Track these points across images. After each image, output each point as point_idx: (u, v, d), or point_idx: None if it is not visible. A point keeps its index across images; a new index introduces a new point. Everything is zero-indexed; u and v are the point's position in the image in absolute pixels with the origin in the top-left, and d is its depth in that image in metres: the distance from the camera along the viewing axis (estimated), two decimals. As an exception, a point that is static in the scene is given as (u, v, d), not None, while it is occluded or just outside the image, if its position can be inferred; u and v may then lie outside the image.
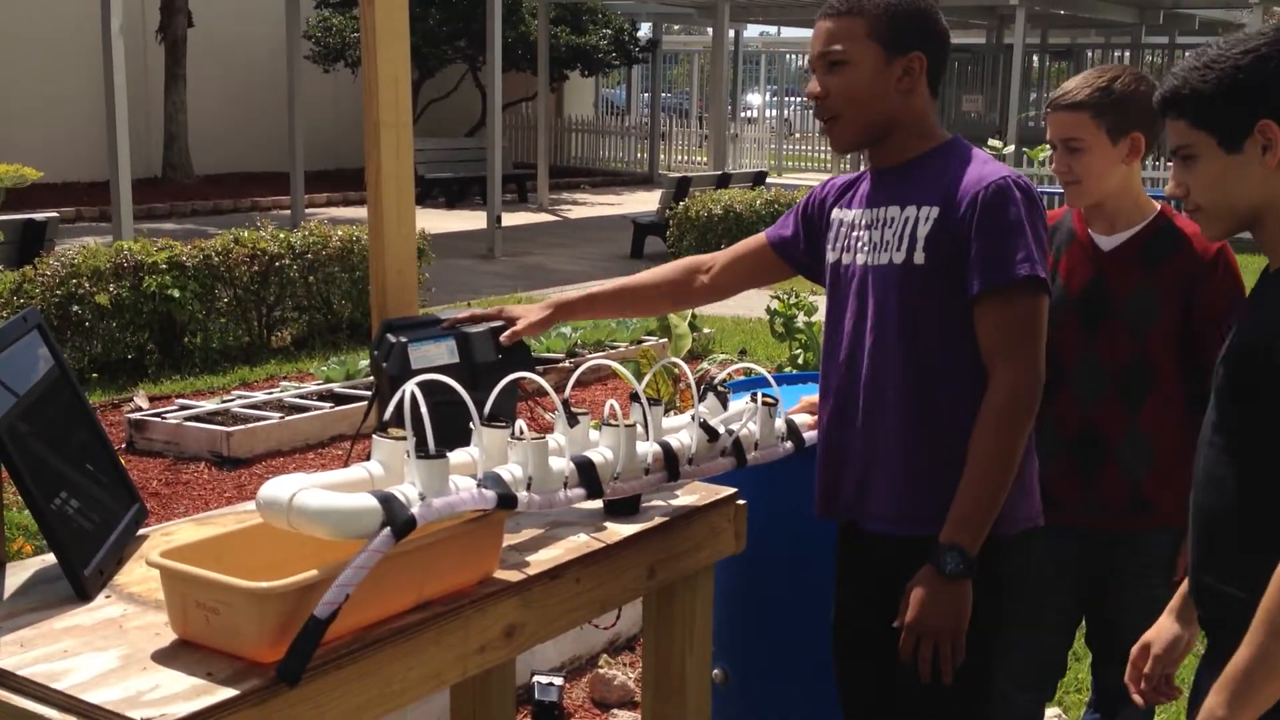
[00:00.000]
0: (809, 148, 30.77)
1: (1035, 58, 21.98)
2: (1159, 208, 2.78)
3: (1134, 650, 2.10)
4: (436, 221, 16.16)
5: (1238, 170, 1.81)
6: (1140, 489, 2.75)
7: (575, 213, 19.66)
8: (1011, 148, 10.49)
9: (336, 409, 6.63)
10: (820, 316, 6.90)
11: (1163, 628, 2.08)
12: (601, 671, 3.81)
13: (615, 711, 3.69)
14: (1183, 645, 2.06)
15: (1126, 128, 2.67)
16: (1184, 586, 2.02)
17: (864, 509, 2.42)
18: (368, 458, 1.93)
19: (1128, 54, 22.81)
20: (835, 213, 2.48)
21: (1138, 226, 2.75)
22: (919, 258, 2.28)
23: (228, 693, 1.60)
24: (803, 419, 2.77)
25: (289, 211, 14.63)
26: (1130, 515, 2.78)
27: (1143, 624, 2.17)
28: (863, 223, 2.40)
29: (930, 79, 2.35)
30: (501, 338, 2.48)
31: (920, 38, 2.33)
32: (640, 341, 8.46)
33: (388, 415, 1.97)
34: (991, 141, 7.44)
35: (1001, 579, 2.31)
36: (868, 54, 2.30)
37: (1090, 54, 25.38)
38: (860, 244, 2.39)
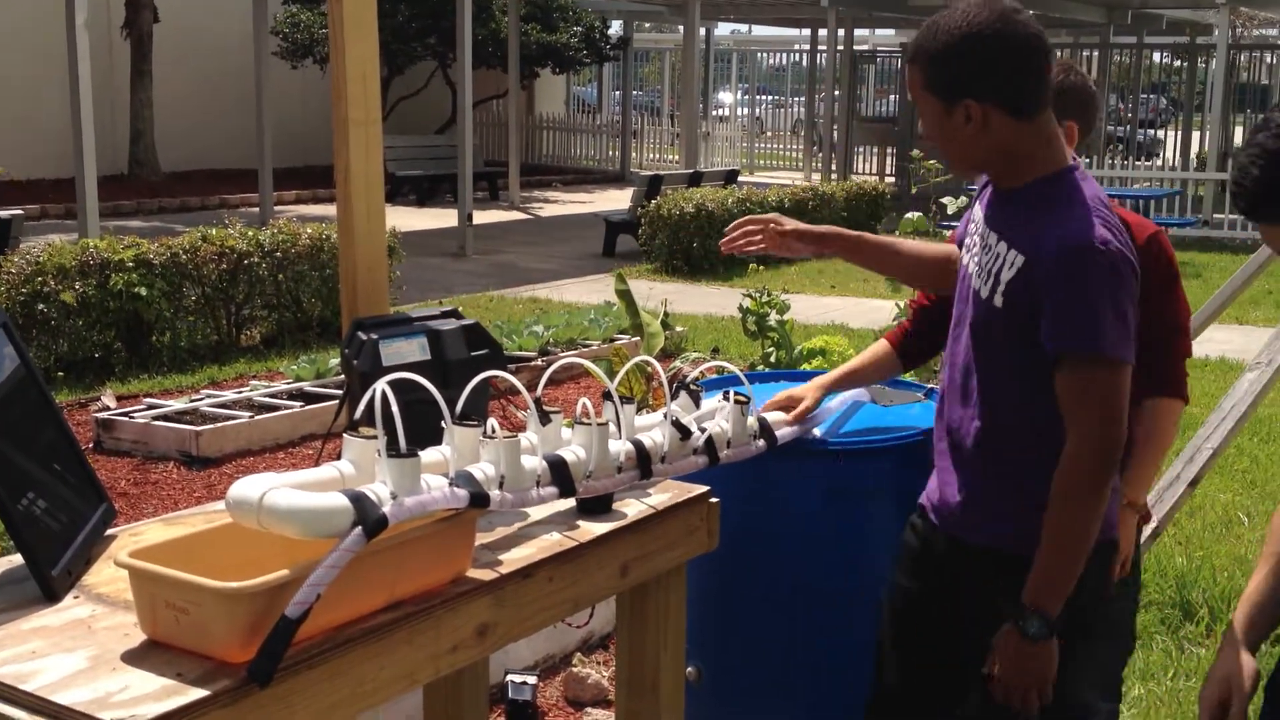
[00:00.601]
0: (781, 146, 30.84)
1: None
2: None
3: (1209, 697, 1.91)
4: (407, 219, 16.09)
5: None
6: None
7: (547, 211, 19.64)
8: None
9: (307, 408, 6.60)
10: (791, 315, 6.93)
11: (1247, 666, 1.89)
12: (575, 670, 3.81)
13: (589, 710, 3.69)
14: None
15: (1059, 117, 2.63)
16: (1244, 612, 1.91)
17: (938, 505, 2.45)
18: (339, 457, 1.92)
19: (1096, 54, 22.95)
20: (975, 208, 2.46)
21: None
22: (998, 300, 2.26)
23: (198, 693, 1.58)
24: (775, 416, 2.78)
25: (257, 209, 14.55)
26: None
27: None
28: (978, 234, 2.38)
29: (1012, 109, 2.22)
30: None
31: (968, 80, 2.22)
32: (613, 340, 8.46)
33: (359, 414, 1.96)
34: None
35: (1079, 593, 2.27)
36: (929, 104, 2.28)
37: (1059, 53, 25.52)
38: (973, 251, 2.38)
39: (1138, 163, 23.76)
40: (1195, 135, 23.68)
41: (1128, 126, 24.52)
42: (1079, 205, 2.22)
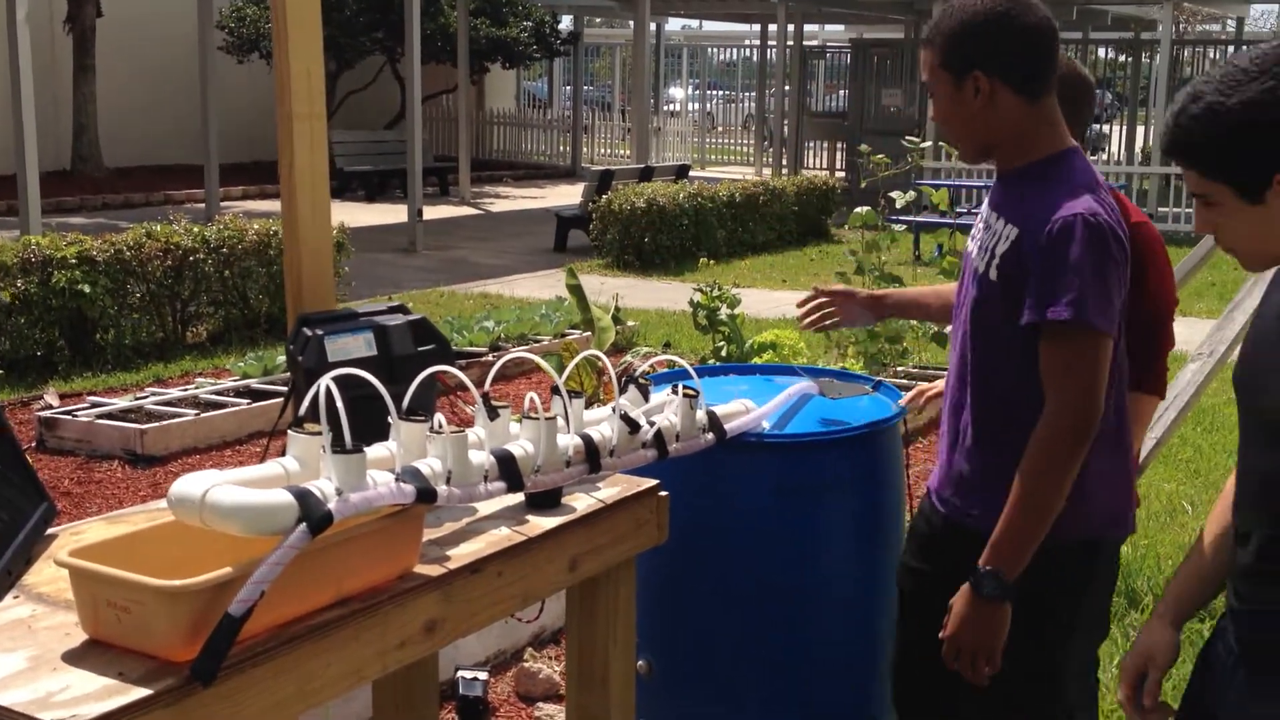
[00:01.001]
0: (732, 141, 30.89)
1: (952, 52, 22.20)
2: None
3: (1129, 667, 1.96)
4: (356, 215, 15.99)
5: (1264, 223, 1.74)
6: None
7: (498, 206, 19.57)
8: (930, 142, 10.60)
9: (254, 405, 6.54)
10: (741, 309, 6.94)
11: (1169, 641, 1.93)
12: (526, 665, 3.80)
13: (541, 705, 3.68)
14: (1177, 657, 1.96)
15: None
16: (1174, 590, 1.95)
17: (938, 489, 2.52)
18: (285, 454, 1.90)
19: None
20: (984, 205, 2.52)
21: None
22: (993, 274, 2.33)
23: (140, 692, 1.56)
24: (727, 409, 2.78)
25: (203, 205, 14.38)
26: None
27: None
28: (983, 221, 2.45)
29: (1019, 87, 2.29)
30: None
31: (978, 55, 2.29)
32: (564, 335, 8.45)
33: (303, 410, 1.94)
34: (910, 137, 7.53)
35: (1062, 587, 2.33)
36: (942, 83, 2.36)
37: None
38: (976, 235, 2.46)
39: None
40: (1140, 130, 23.96)
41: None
42: (1075, 183, 2.28)
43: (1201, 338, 4.86)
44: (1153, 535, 5.11)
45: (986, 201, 2.49)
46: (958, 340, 2.45)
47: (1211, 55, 24.65)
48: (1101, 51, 29.73)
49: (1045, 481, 2.22)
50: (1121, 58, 25.87)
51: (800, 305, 2.95)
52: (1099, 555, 2.40)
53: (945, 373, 2.65)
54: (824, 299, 2.91)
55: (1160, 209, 17.05)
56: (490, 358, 7.68)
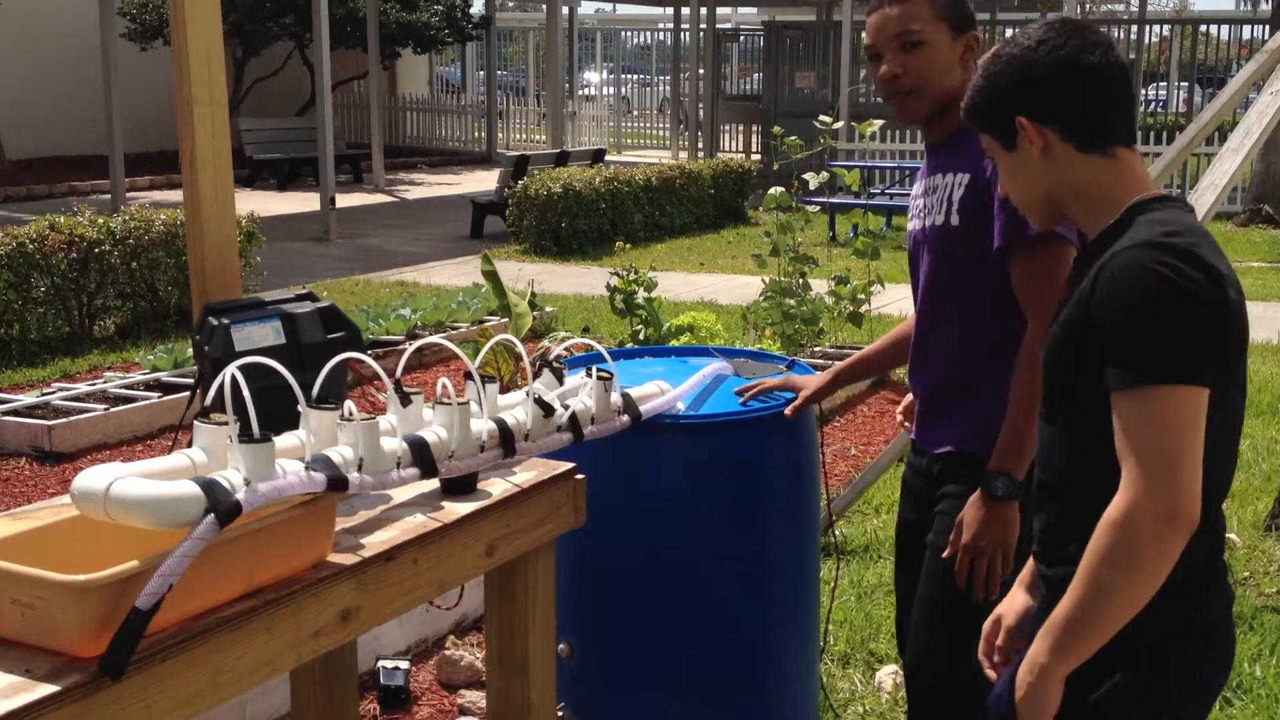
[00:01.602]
0: (648, 125, 30.89)
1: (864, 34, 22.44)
2: None
3: (986, 624, 2.11)
4: (267, 204, 15.76)
5: (1022, 165, 1.93)
6: None
7: (413, 193, 19.40)
8: (842, 123, 10.68)
9: (164, 399, 6.43)
10: (657, 293, 6.96)
11: (1015, 600, 2.08)
12: (448, 653, 3.79)
13: (463, 692, 3.67)
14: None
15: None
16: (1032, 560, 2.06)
17: (920, 434, 2.70)
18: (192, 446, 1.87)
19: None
20: (914, 190, 2.74)
21: None
22: (954, 220, 2.52)
23: (48, 689, 1.53)
24: (642, 390, 2.79)
25: (109, 196, 14.09)
26: None
27: None
28: (921, 191, 2.67)
29: (957, 33, 2.57)
30: (786, 411, 2.85)
31: (969, 17, 2.60)
32: (482, 322, 8.41)
33: (210, 400, 1.91)
34: (822, 117, 7.58)
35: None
36: (940, 33, 2.55)
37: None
38: (919, 210, 2.66)
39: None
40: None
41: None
42: None
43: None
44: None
45: (921, 177, 2.69)
46: (931, 308, 2.63)
47: (1117, 35, 25.11)
48: (1009, 33, 30.17)
49: (1035, 382, 2.31)
50: (1028, 38, 26.23)
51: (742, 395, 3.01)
52: None
53: (858, 351, 2.89)
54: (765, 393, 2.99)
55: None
56: (407, 346, 7.62)
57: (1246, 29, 23.61)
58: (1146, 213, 1.83)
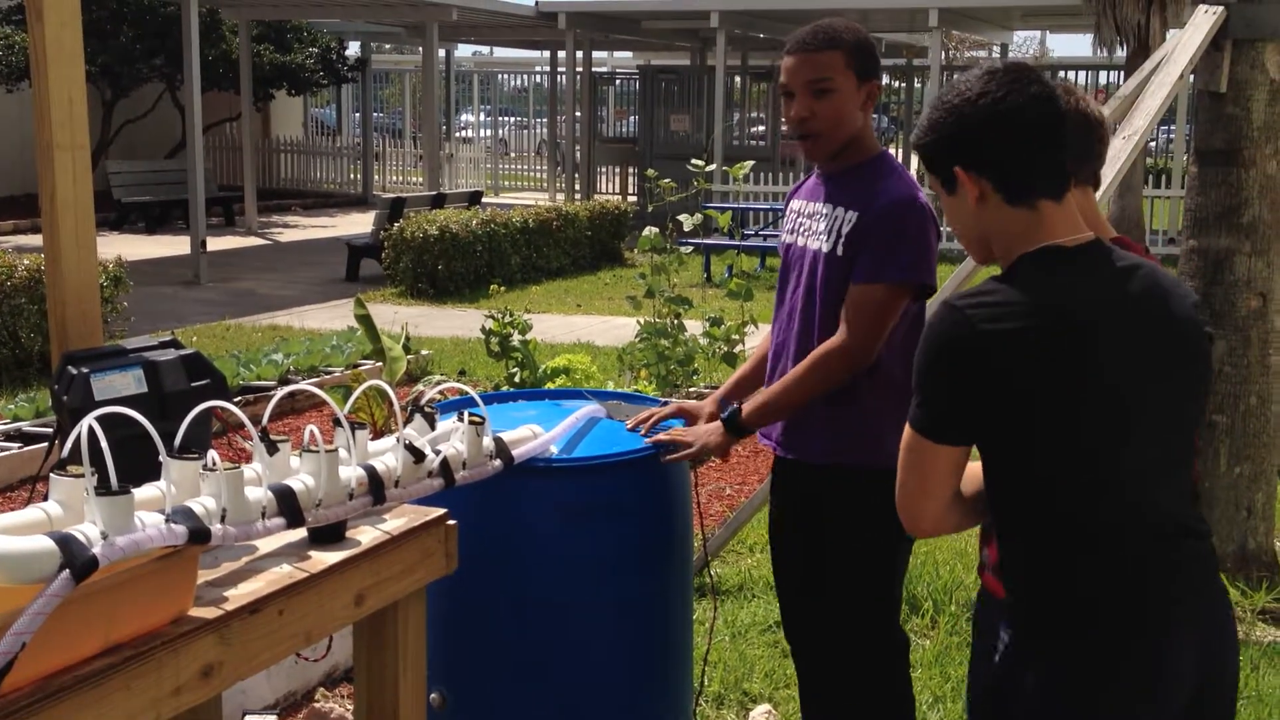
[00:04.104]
0: (525, 167, 30.94)
1: (737, 79, 22.79)
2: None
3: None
4: (136, 247, 15.42)
5: (960, 208, 2.05)
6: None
7: (287, 236, 19.12)
8: (715, 166, 10.83)
9: (25, 449, 6.23)
10: (533, 335, 6.96)
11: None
12: (318, 705, 3.72)
13: (335, 744, 3.60)
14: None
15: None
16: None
17: (780, 439, 3.01)
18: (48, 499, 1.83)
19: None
20: (792, 203, 3.08)
21: None
22: (840, 250, 2.85)
23: (-111, 759, 1.48)
24: (515, 434, 2.79)
25: (-30, 240, 13.65)
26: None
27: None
28: (807, 212, 2.98)
29: (869, 96, 2.89)
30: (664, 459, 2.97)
31: (875, 67, 2.89)
32: (356, 366, 8.31)
33: (67, 451, 1.87)
34: (695, 160, 7.70)
35: (873, 508, 2.75)
36: (848, 82, 2.84)
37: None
38: (805, 230, 2.97)
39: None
40: (914, 154, 24.97)
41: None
42: (898, 175, 2.90)
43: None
44: (931, 543, 5.33)
45: (799, 203, 3.03)
46: (796, 317, 2.95)
47: (979, 81, 25.85)
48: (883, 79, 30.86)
49: (810, 386, 2.83)
50: (896, 83, 26.95)
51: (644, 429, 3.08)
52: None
53: (734, 374, 3.28)
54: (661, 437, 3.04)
55: (943, 229, 17.80)
56: (279, 392, 7.50)
57: (1103, 74, 24.53)
58: (1022, 264, 1.98)
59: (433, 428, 2.59)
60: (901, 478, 2.02)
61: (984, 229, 2.03)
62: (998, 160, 1.98)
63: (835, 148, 2.88)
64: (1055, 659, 1.94)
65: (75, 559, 1.65)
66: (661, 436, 2.99)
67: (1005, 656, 2.00)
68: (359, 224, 19.14)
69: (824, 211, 2.91)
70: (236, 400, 4.24)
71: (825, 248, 2.87)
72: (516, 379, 6.56)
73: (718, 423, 2.93)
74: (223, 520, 1.96)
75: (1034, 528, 1.97)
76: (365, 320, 6.25)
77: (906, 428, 2.00)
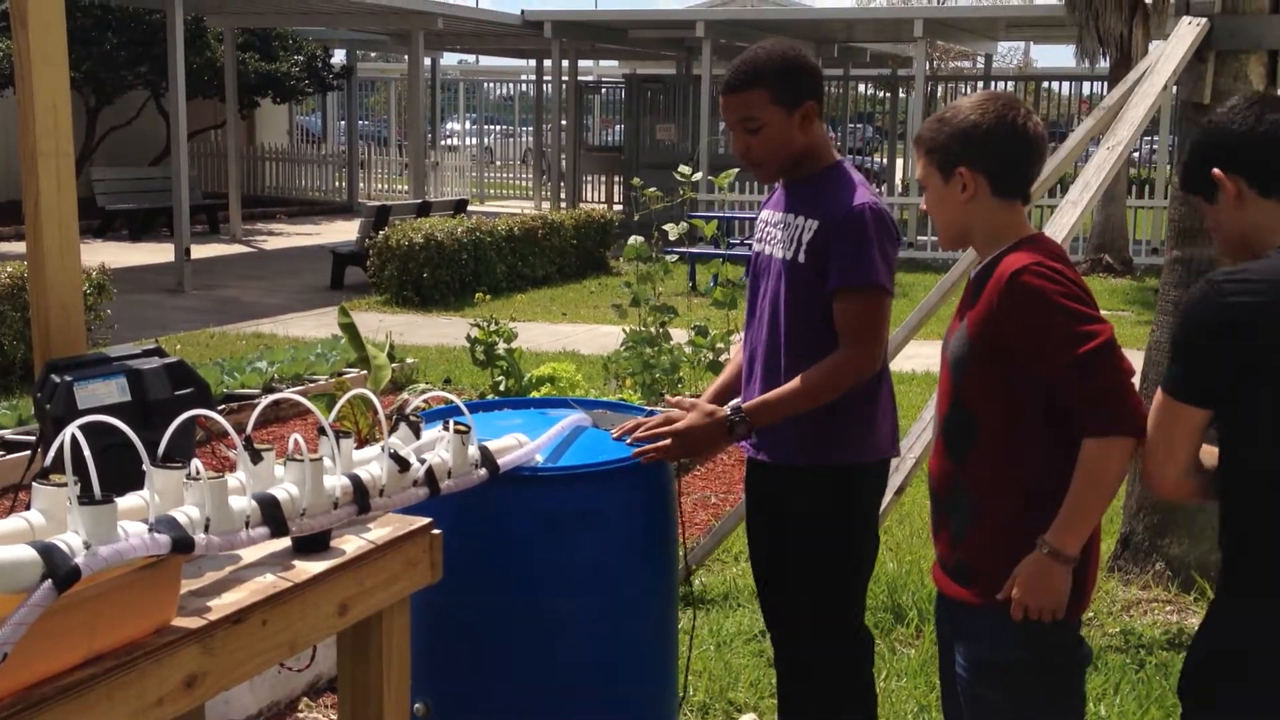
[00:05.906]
0: (511, 175, 30.93)
1: (723, 88, 22.84)
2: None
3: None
4: (120, 255, 15.36)
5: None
6: (962, 549, 2.53)
7: (271, 243, 19.08)
8: (700, 174, 10.84)
9: (7, 458, 6.20)
10: (519, 343, 6.95)
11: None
12: (302, 715, 3.71)
13: (319, 754, 3.59)
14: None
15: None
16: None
17: (752, 441, 3.05)
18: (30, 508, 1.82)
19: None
20: (762, 214, 3.19)
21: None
22: (802, 258, 2.94)
23: None
24: (500, 443, 2.79)
25: (-47, 247, 13.59)
26: (958, 578, 2.54)
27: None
28: (774, 221, 3.09)
29: (820, 115, 3.00)
30: (636, 453, 2.93)
31: (808, 88, 2.96)
32: (341, 374, 8.29)
33: (50, 460, 1.86)
34: (681, 169, 7.70)
35: (854, 501, 3.01)
36: (775, 115, 2.93)
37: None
38: (771, 239, 3.08)
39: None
40: (900, 162, 25.08)
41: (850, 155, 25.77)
42: (855, 184, 2.97)
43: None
44: (916, 552, 5.34)
45: (768, 213, 3.13)
46: (764, 324, 3.04)
47: (963, 90, 26.00)
48: (861, 88, 31.05)
49: (815, 395, 2.88)
50: (881, 94, 27.03)
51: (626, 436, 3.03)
52: (865, 474, 3.05)
53: (716, 380, 3.31)
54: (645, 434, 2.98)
55: (920, 238, 17.86)
56: (261, 400, 7.47)
57: (1086, 85, 24.65)
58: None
59: (418, 436, 2.58)
60: (1150, 441, 2.25)
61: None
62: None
63: (778, 170, 3.04)
64: None
65: (58, 569, 1.65)
66: (641, 434, 2.95)
67: (1229, 622, 2.20)
68: (344, 232, 19.11)
69: (786, 221, 3.03)
70: (220, 409, 4.23)
71: (788, 255, 2.98)
72: (502, 387, 6.55)
73: (723, 423, 2.93)
74: (206, 530, 1.95)
75: (1267, 490, 2.15)
76: (350, 328, 6.23)
77: (1158, 392, 2.21)
